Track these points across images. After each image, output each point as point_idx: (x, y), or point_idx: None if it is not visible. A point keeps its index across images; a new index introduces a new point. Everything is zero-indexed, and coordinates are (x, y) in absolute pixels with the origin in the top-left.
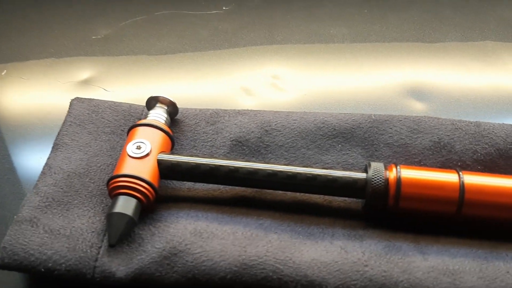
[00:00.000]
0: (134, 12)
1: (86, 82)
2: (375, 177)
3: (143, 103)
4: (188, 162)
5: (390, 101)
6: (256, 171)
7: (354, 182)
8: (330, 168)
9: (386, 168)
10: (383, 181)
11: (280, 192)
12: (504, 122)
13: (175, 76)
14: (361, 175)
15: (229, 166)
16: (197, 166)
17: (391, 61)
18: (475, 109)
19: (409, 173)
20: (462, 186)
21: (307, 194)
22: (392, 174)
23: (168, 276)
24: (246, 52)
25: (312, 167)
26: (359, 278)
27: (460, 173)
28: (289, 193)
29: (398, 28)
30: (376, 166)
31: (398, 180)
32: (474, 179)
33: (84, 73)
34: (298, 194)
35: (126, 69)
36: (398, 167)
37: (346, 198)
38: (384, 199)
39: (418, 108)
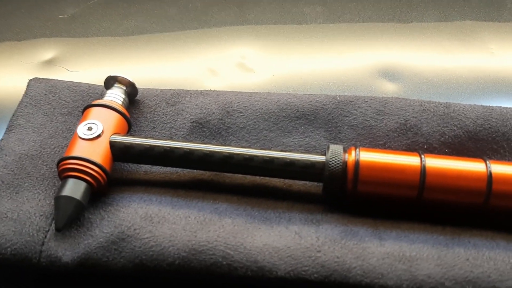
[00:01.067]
0: None
1: (49, 63)
2: (333, 160)
3: None
4: (141, 144)
5: (361, 82)
6: (211, 154)
7: (312, 165)
8: (290, 151)
9: (345, 151)
10: (340, 164)
11: (240, 175)
12: (480, 103)
13: (142, 57)
14: (320, 158)
15: (184, 148)
16: (151, 148)
17: (365, 42)
18: (449, 90)
19: (368, 156)
20: (423, 170)
21: (267, 178)
22: (351, 157)
23: (115, 262)
24: (215, 32)
25: (270, 149)
26: (310, 264)
27: (423, 156)
28: (248, 176)
29: (374, 7)
30: (335, 149)
31: (357, 163)
32: (436, 162)
33: (49, 53)
34: (257, 177)
35: (92, 50)
36: (357, 149)
37: (307, 182)
38: (342, 183)
39: (389, 89)
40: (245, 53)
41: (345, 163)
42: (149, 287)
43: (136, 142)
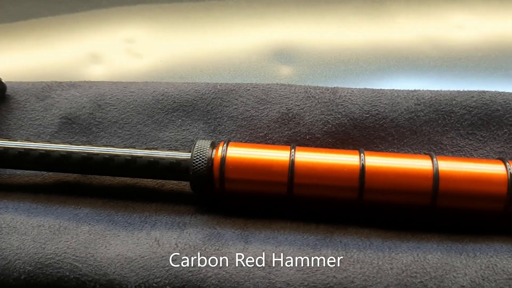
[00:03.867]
0: None
1: None
2: (197, 158)
3: None
4: None
5: (255, 66)
6: (69, 155)
7: (177, 163)
8: (156, 148)
9: (214, 147)
10: (205, 162)
11: (109, 176)
12: (381, 83)
13: (23, 45)
14: (186, 155)
15: (39, 149)
16: (5, 150)
17: (265, 20)
18: (348, 72)
19: (235, 152)
20: (291, 165)
21: (138, 178)
22: (218, 154)
23: None
24: (104, 13)
25: (134, 148)
26: (163, 275)
27: (293, 149)
28: (118, 177)
29: None
30: (200, 145)
31: (222, 160)
32: (306, 156)
33: None
34: (128, 178)
35: None
36: (225, 145)
37: (181, 181)
38: (208, 182)
39: (284, 72)
40: (133, 36)
41: (211, 160)
42: None
43: None
